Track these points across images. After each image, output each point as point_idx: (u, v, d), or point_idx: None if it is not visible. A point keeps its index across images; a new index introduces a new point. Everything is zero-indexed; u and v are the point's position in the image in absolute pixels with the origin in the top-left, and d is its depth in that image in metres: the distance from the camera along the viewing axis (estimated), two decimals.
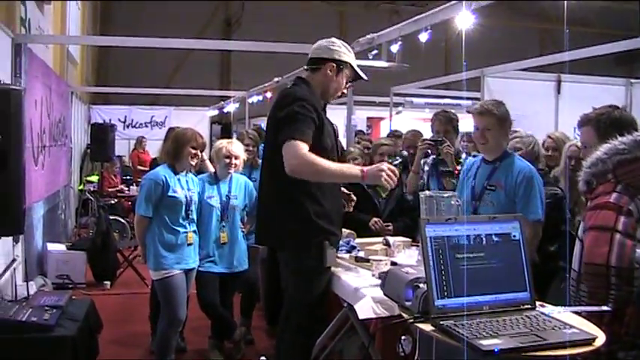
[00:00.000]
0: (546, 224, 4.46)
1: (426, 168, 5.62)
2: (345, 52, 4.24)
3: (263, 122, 16.82)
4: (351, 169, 4.06)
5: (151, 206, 5.25)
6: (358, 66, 4.35)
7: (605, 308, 2.82)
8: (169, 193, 5.25)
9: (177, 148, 5.35)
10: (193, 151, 5.35)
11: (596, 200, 3.05)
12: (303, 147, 3.83)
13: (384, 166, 3.88)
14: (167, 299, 5.28)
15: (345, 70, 4.24)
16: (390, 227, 5.76)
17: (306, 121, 3.90)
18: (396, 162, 4.25)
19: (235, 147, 5.92)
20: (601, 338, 2.47)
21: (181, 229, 5.33)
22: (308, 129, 3.89)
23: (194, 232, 5.47)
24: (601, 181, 3.07)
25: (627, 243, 2.84)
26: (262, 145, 7.65)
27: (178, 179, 5.36)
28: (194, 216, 5.49)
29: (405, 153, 4.47)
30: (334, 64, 4.18)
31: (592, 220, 3.00)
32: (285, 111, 3.94)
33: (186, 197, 5.35)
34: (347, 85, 4.41)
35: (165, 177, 5.27)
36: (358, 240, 5.01)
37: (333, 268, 4.31)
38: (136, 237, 5.73)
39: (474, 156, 5.03)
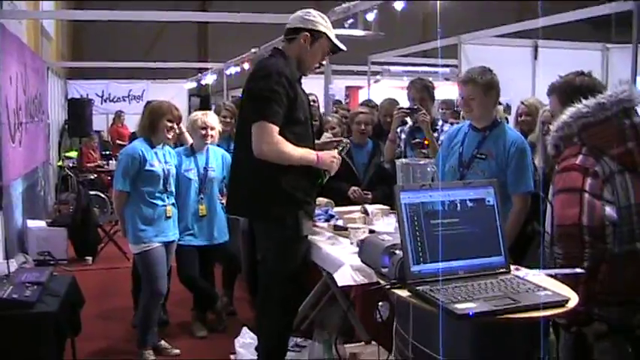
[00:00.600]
0: None
1: (403, 136, 5.64)
2: (321, 22, 4.21)
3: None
4: (310, 154, 4.10)
5: (129, 181, 5.24)
6: (336, 36, 4.34)
7: (578, 270, 2.86)
8: (147, 167, 5.24)
9: (153, 122, 5.33)
10: (169, 124, 5.34)
11: (563, 163, 3.08)
12: (274, 130, 3.90)
13: (335, 152, 4.20)
14: (148, 272, 5.30)
15: (321, 40, 4.22)
16: (369, 196, 5.78)
17: (278, 100, 3.93)
18: (341, 148, 4.31)
19: (210, 118, 5.92)
20: (574, 299, 2.51)
21: (160, 203, 5.33)
22: (279, 108, 3.93)
23: (172, 205, 5.47)
24: (568, 145, 3.10)
25: (596, 203, 2.88)
26: None
27: (155, 153, 5.35)
28: (172, 189, 5.49)
29: (346, 140, 4.51)
30: (308, 34, 4.17)
31: (560, 183, 3.04)
32: (259, 86, 3.97)
33: (163, 170, 5.34)
34: (324, 57, 4.40)
35: (142, 151, 5.26)
36: (337, 209, 5.04)
37: (311, 238, 4.34)
38: (115, 212, 5.72)
39: (452, 123, 5.04)
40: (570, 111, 3.10)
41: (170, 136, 5.40)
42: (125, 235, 5.47)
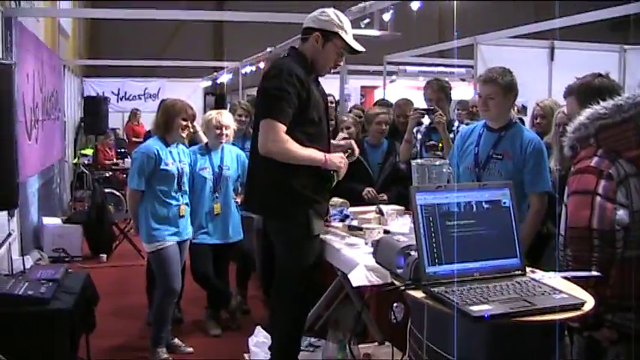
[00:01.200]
0: None
1: (419, 136, 5.63)
2: (335, 22, 4.14)
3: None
4: (317, 154, 4.07)
5: (144, 179, 5.26)
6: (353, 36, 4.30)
7: (595, 273, 2.84)
8: (161, 166, 5.25)
9: (168, 120, 5.35)
10: (184, 123, 5.35)
11: (578, 165, 3.07)
12: (281, 128, 3.90)
13: (343, 154, 4.20)
14: (161, 271, 5.31)
15: (334, 41, 4.15)
16: (385, 197, 5.76)
17: (288, 99, 3.92)
18: (347, 154, 4.33)
19: (225, 117, 5.93)
20: (590, 303, 2.49)
21: (174, 202, 5.34)
22: (289, 107, 3.92)
23: (186, 204, 5.48)
24: (584, 146, 3.09)
25: (607, 206, 2.86)
26: None
27: (170, 151, 5.36)
28: (186, 188, 5.51)
29: (356, 154, 4.56)
30: (320, 35, 4.13)
31: (574, 185, 3.03)
32: (270, 84, 3.97)
33: (178, 169, 5.35)
34: (340, 57, 4.32)
35: (157, 150, 5.27)
36: (352, 209, 5.03)
37: (326, 238, 4.34)
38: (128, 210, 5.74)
39: (467, 124, 5.01)
40: (587, 112, 3.08)
41: (185, 135, 5.41)
42: (137, 233, 5.49)
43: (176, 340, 5.65)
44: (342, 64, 4.34)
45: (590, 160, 3.00)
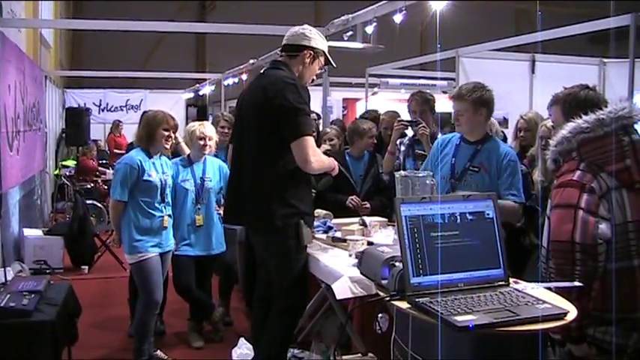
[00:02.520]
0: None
1: (402, 148, 5.65)
2: (319, 39, 4.32)
3: None
4: (332, 162, 4.37)
5: (127, 190, 5.24)
6: (335, 47, 4.44)
7: (577, 284, 2.88)
8: (144, 177, 5.24)
9: (150, 132, 5.34)
10: (166, 133, 5.35)
11: (560, 178, 3.11)
12: (313, 142, 4.07)
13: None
14: (143, 282, 5.29)
15: (320, 58, 4.33)
16: (368, 206, 5.82)
17: (309, 111, 4.12)
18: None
19: (207, 128, 5.95)
20: (572, 313, 2.52)
21: (157, 213, 5.33)
22: (312, 121, 4.17)
23: (169, 215, 5.47)
24: (566, 159, 3.12)
25: (590, 220, 2.90)
26: None
27: (153, 163, 5.35)
28: (169, 199, 5.50)
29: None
30: (311, 52, 4.25)
31: (557, 199, 3.06)
32: (292, 99, 4.00)
33: (161, 181, 5.34)
34: (319, 71, 4.49)
35: (140, 160, 5.26)
36: (335, 220, 5.04)
37: (310, 250, 4.35)
38: (111, 221, 5.72)
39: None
40: (570, 126, 3.12)
41: (168, 146, 5.41)
42: (119, 245, 5.47)
43: (159, 352, 5.62)
44: (322, 75, 4.48)
45: (573, 174, 3.03)
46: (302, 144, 3.99)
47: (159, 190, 5.33)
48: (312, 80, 4.49)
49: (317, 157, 4.07)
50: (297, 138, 3.98)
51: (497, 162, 4.44)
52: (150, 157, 5.34)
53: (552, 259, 3.05)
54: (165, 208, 5.42)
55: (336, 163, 4.41)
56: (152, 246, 5.29)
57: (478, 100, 4.44)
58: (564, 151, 3.14)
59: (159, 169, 5.39)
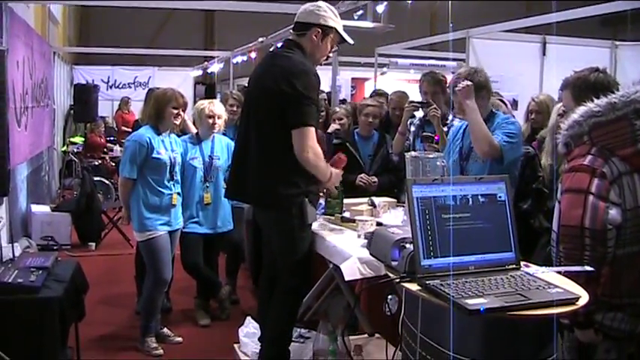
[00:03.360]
0: (519, 182, 4.63)
1: (412, 129, 5.63)
2: (331, 16, 4.20)
3: (247, 82, 16.71)
4: (328, 169, 4.21)
5: (136, 168, 5.23)
6: (344, 27, 4.33)
7: (587, 268, 2.86)
8: (153, 155, 5.24)
9: (159, 109, 5.32)
10: (175, 111, 5.33)
11: (571, 163, 3.08)
12: (314, 134, 3.99)
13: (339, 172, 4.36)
14: (152, 260, 5.30)
15: (331, 35, 4.22)
16: (376, 180, 5.88)
17: (315, 102, 4.01)
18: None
19: (217, 107, 5.94)
20: (584, 298, 2.49)
21: (166, 191, 5.33)
22: (316, 112, 4.05)
23: (178, 193, 5.47)
24: (577, 144, 3.09)
25: (600, 205, 2.87)
26: None
27: (162, 140, 5.34)
28: (178, 177, 5.50)
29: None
30: (320, 30, 4.15)
31: (567, 183, 3.03)
32: (301, 87, 3.94)
33: (170, 158, 5.34)
34: (332, 50, 4.39)
35: (149, 138, 5.25)
36: (344, 201, 5.02)
37: (317, 229, 4.34)
38: (119, 198, 5.71)
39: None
40: (581, 110, 3.08)
41: (177, 123, 5.40)
42: (129, 222, 5.47)
43: (165, 330, 5.64)
44: (331, 55, 4.35)
45: (584, 159, 3.00)
46: (302, 133, 3.94)
47: (168, 168, 5.32)
48: (327, 58, 4.40)
49: (315, 150, 3.98)
50: (299, 127, 3.94)
51: (498, 125, 4.44)
52: (159, 134, 5.33)
53: (561, 243, 3.03)
54: (174, 185, 5.41)
55: (336, 175, 4.31)
56: (161, 224, 5.31)
57: (478, 84, 4.46)
58: (575, 135, 3.11)
59: (168, 147, 5.37)
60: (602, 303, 2.93)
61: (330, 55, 4.45)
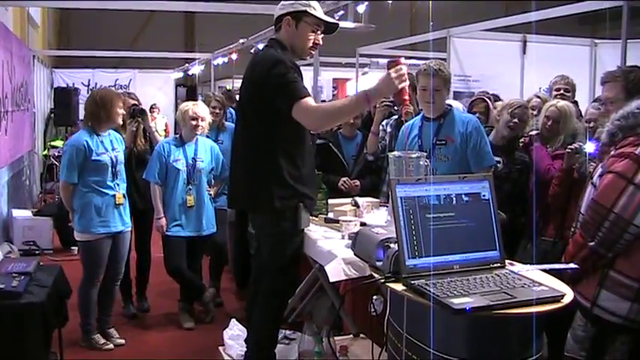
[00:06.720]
0: (514, 188, 4.83)
1: (389, 129, 5.61)
2: (300, 2, 4.06)
3: (228, 84, 16.72)
4: (356, 97, 3.91)
5: (75, 172, 5.22)
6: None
7: (572, 266, 2.88)
8: (93, 157, 5.22)
9: (102, 109, 5.31)
10: (120, 111, 5.36)
11: (623, 148, 3.10)
12: (311, 102, 3.82)
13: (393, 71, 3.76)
14: (88, 261, 5.39)
15: (305, 19, 4.05)
16: (358, 184, 5.85)
17: (298, 80, 3.85)
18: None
19: (201, 109, 5.93)
20: (569, 295, 2.50)
21: (109, 191, 5.32)
22: (303, 86, 3.87)
23: (123, 195, 5.45)
24: (628, 135, 3.13)
25: (637, 197, 2.93)
26: (230, 108, 7.64)
27: (101, 141, 5.32)
28: (123, 176, 5.48)
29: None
30: (290, 17, 4.05)
31: (613, 165, 3.08)
32: (275, 76, 3.83)
33: (111, 158, 5.31)
34: (316, 35, 4.23)
35: (87, 141, 5.23)
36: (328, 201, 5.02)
37: (306, 230, 4.31)
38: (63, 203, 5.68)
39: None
40: (638, 102, 3.13)
41: (120, 121, 5.44)
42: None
43: (112, 330, 5.68)
44: (321, 42, 4.24)
45: (636, 148, 3.04)
46: (301, 107, 3.76)
47: (110, 169, 5.32)
48: (314, 48, 4.26)
49: (319, 112, 3.83)
50: (294, 105, 3.77)
51: (461, 131, 4.61)
52: (97, 135, 5.31)
53: (587, 211, 3.12)
54: (118, 185, 5.40)
55: (383, 85, 3.83)
56: (102, 226, 5.31)
57: (449, 75, 4.79)
58: (627, 127, 3.15)
59: (108, 147, 5.35)
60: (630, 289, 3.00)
61: (319, 42, 4.29)
